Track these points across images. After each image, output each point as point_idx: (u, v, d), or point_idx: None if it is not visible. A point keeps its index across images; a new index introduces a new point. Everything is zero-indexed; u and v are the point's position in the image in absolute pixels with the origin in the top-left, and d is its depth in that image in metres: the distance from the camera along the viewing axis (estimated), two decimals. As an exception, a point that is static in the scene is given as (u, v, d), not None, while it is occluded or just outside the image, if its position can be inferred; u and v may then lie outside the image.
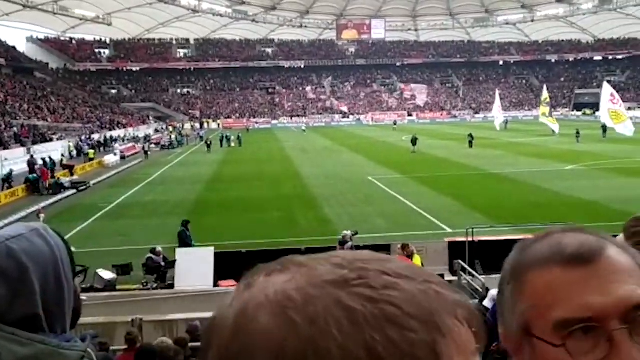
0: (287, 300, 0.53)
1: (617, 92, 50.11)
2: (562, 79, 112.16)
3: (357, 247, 13.79)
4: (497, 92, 69.10)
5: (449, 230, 18.86)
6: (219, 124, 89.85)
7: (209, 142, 51.33)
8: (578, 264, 0.76)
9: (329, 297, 0.52)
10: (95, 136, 55.75)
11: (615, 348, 0.71)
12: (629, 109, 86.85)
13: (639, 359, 0.71)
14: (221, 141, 55.08)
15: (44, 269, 1.18)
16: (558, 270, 0.77)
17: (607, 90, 42.85)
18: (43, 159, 35.89)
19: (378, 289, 0.53)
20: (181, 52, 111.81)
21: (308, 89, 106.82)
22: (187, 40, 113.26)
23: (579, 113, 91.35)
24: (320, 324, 0.50)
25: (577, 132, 47.69)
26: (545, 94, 57.63)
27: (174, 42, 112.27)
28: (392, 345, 0.50)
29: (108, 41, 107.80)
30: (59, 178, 30.77)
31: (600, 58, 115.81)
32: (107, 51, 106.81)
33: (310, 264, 0.56)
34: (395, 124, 76.85)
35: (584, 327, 0.73)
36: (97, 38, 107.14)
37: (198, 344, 8.36)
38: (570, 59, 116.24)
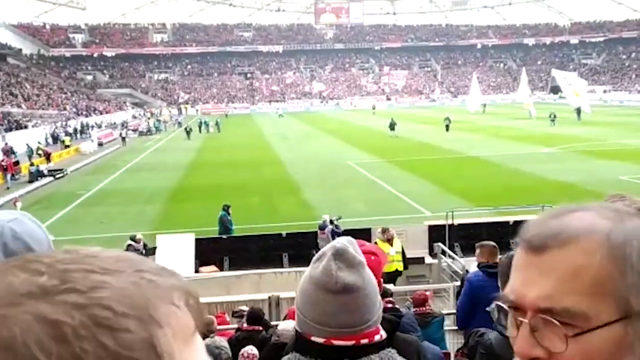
0: None
1: (593, 75, 51.96)
2: (539, 62, 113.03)
3: (345, 231, 13.88)
4: (475, 75, 69.43)
5: (429, 214, 19.01)
6: (197, 110, 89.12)
7: (188, 129, 50.89)
8: (528, 251, 0.80)
9: (27, 314, 0.45)
10: (72, 123, 54.98)
11: (518, 335, 0.79)
12: (605, 91, 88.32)
13: (531, 354, 0.77)
14: (199, 127, 54.83)
15: (43, 251, 1.18)
16: (520, 251, 0.82)
17: (559, 75, 44.83)
18: (11, 148, 35.29)
19: (85, 292, 0.47)
20: (158, 37, 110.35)
21: (286, 73, 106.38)
22: (164, 24, 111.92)
23: (556, 96, 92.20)
24: (19, 350, 0.44)
25: (552, 116, 48.10)
26: (525, 77, 58.69)
27: (150, 26, 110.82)
28: (105, 352, 0.45)
29: (82, 26, 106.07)
30: (37, 165, 30.36)
31: (576, 41, 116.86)
32: (81, 36, 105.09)
33: None
34: (374, 108, 76.79)
35: (509, 306, 0.82)
36: (71, 23, 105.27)
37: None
38: (547, 42, 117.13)
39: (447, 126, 45.88)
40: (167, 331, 0.50)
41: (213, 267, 14.25)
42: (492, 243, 5.97)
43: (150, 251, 14.81)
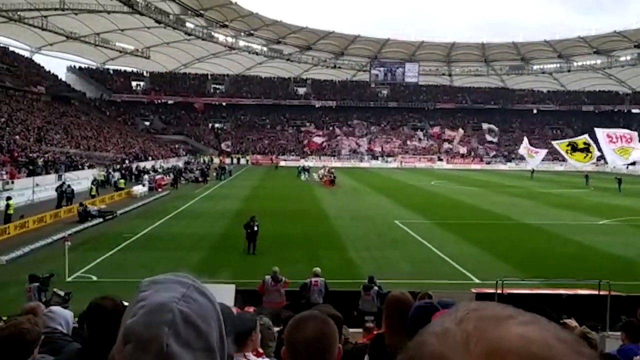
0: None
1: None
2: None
3: (388, 293, 13.39)
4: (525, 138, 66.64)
5: (476, 281, 18.32)
6: (247, 160, 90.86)
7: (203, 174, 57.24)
8: None
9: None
10: (127, 166, 56.33)
11: None
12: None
13: None
14: (300, 173, 62.19)
15: (214, 330, 1.10)
16: None
17: (600, 136, 42.22)
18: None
19: None
20: (215, 88, 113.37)
21: (338, 129, 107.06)
22: (222, 76, 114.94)
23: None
24: None
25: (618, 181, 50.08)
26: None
27: (209, 77, 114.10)
28: None
29: (145, 73, 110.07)
30: (86, 206, 30.92)
31: (638, 111, 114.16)
32: (142, 83, 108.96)
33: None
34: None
35: None
36: (134, 70, 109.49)
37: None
38: (607, 110, 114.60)
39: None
40: None
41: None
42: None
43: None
